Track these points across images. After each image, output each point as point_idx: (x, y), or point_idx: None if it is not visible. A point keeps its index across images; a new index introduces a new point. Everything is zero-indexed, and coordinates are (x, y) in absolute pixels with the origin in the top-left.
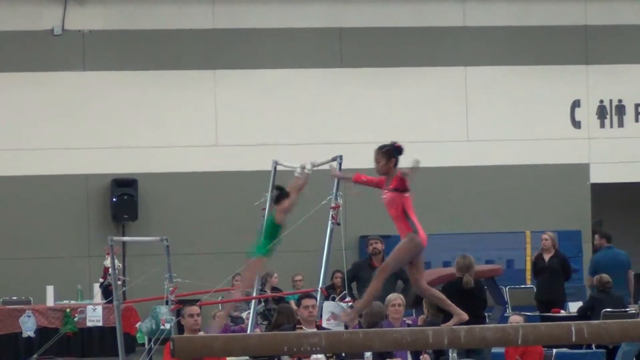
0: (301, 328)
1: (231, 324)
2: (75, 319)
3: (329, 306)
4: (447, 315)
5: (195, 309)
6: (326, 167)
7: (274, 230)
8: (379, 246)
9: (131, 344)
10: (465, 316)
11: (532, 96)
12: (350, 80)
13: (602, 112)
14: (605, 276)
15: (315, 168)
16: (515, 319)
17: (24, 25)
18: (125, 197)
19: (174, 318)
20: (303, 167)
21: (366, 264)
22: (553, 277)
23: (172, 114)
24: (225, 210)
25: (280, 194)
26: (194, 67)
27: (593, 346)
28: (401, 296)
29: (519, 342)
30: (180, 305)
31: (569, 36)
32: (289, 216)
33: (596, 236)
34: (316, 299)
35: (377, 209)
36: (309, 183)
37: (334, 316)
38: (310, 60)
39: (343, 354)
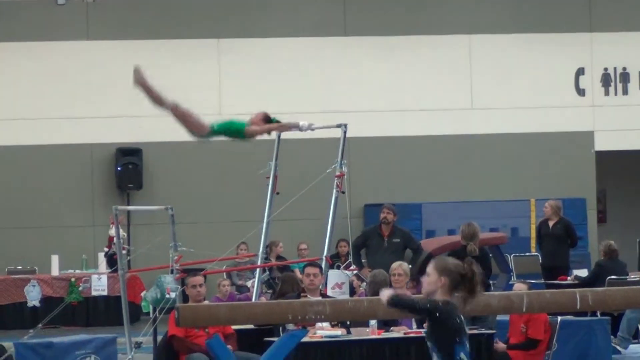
0: (306, 296)
1: (236, 292)
2: (80, 288)
3: (333, 275)
4: None
5: (197, 279)
6: (331, 135)
7: (236, 129)
8: (390, 217)
9: (136, 313)
10: None
11: (537, 64)
12: (354, 48)
13: (606, 80)
14: (612, 243)
15: (311, 129)
16: (520, 287)
17: None
18: (130, 166)
19: (179, 287)
20: (308, 126)
21: (375, 232)
22: (557, 243)
23: (176, 83)
24: (230, 179)
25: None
26: (198, 36)
27: (598, 313)
28: (404, 265)
29: (524, 310)
30: (185, 274)
31: (573, 4)
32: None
33: None
34: (320, 267)
35: (381, 177)
36: (311, 151)
37: (339, 285)
38: (315, 29)
39: (348, 322)
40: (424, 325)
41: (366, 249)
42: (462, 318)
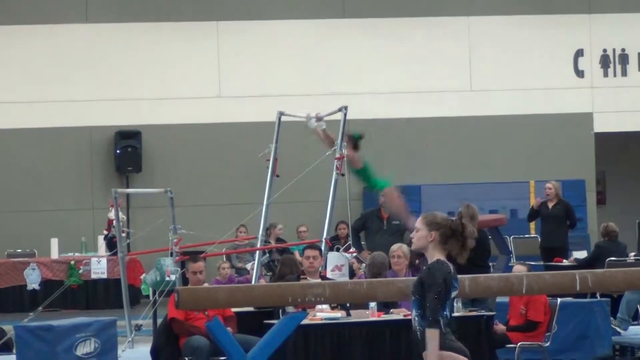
0: (305, 279)
1: (236, 275)
2: (80, 272)
3: (333, 257)
4: None
5: (199, 266)
6: (330, 117)
7: (373, 185)
8: None
9: (136, 295)
10: None
11: (536, 45)
12: (353, 30)
13: (605, 62)
14: (612, 224)
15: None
16: (519, 269)
17: None
18: (129, 149)
19: (178, 270)
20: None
21: (374, 214)
22: (557, 224)
23: (176, 65)
24: (229, 162)
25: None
26: (197, 19)
27: (597, 295)
28: (404, 247)
29: (523, 292)
30: (185, 256)
31: None
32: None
33: None
34: (320, 250)
35: (381, 160)
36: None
37: (338, 267)
38: (314, 11)
39: (347, 304)
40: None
41: (365, 232)
42: (452, 282)
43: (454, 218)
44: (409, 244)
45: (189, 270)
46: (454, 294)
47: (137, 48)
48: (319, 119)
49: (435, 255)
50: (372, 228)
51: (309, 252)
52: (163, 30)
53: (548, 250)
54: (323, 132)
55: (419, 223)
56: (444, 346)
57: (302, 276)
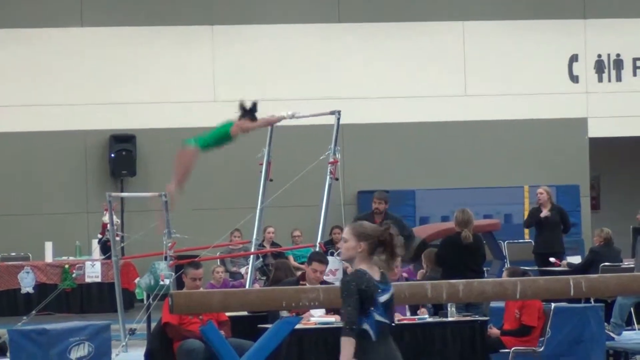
0: (304, 284)
1: (230, 279)
2: (74, 275)
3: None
4: (445, 271)
5: (199, 273)
6: (324, 122)
7: (223, 137)
8: (382, 207)
9: (130, 299)
10: None
11: (530, 51)
12: (348, 35)
13: (600, 67)
14: (606, 229)
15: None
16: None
17: None
18: (124, 153)
19: (172, 274)
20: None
21: (367, 219)
22: (551, 230)
23: (171, 69)
24: (224, 166)
25: (250, 111)
26: (191, 23)
27: (591, 300)
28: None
29: (518, 296)
30: (179, 261)
31: None
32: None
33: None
34: (327, 263)
35: (375, 164)
36: (305, 138)
37: (332, 271)
38: (308, 16)
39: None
40: (418, 312)
41: None
42: (375, 286)
43: (382, 228)
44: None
45: (188, 276)
46: (383, 298)
47: (131, 52)
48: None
49: (359, 265)
50: None
51: (318, 267)
52: (158, 34)
53: (543, 255)
54: (274, 120)
55: (347, 234)
56: (371, 353)
57: (301, 282)
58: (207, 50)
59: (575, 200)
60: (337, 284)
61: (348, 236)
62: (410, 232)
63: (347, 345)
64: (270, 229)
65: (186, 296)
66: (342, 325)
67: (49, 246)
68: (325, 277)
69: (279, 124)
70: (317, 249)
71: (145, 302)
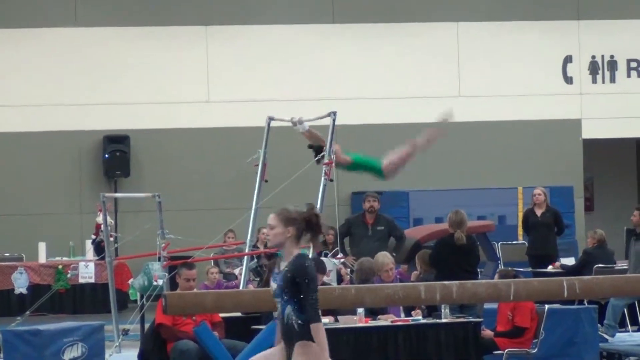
0: None
1: (224, 280)
2: (68, 276)
3: None
4: (439, 272)
5: (193, 274)
6: (319, 123)
7: (370, 168)
8: (376, 205)
9: (123, 300)
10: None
11: (524, 52)
12: (342, 36)
13: (594, 68)
14: (600, 231)
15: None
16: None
17: None
18: (118, 154)
19: (166, 274)
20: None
21: (359, 220)
22: (546, 232)
23: (164, 70)
24: (218, 167)
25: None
26: (185, 23)
27: (585, 302)
28: (392, 260)
29: (511, 298)
30: (173, 262)
31: None
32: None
33: (636, 212)
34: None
35: None
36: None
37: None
38: (303, 16)
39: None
40: (412, 313)
41: (350, 238)
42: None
43: (307, 209)
44: (394, 249)
45: (182, 277)
46: None
47: (125, 52)
48: (301, 122)
49: (293, 250)
50: (356, 234)
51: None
52: (152, 35)
53: (537, 257)
54: (309, 133)
55: (273, 220)
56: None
57: None
58: (201, 50)
59: (569, 202)
60: (333, 284)
61: (274, 223)
62: (402, 233)
63: (321, 330)
64: (265, 230)
65: (180, 297)
66: (308, 310)
67: (42, 247)
68: None
69: (274, 124)
70: (311, 250)
71: (138, 302)
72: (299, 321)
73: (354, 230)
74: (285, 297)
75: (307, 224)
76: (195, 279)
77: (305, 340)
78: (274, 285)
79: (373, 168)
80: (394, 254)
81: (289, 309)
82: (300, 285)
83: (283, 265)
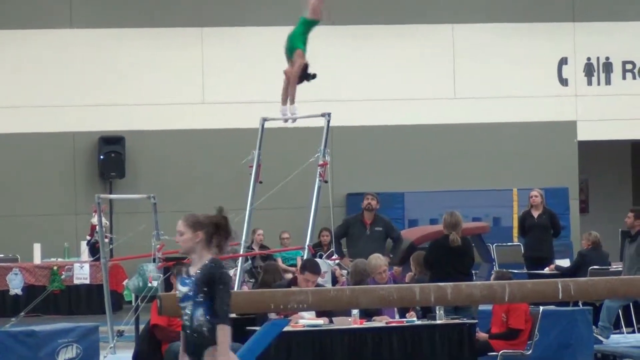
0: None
1: None
2: (63, 277)
3: None
4: (434, 274)
5: None
6: (314, 124)
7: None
8: (374, 203)
9: (118, 301)
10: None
11: (520, 53)
12: (337, 37)
13: (589, 70)
14: (595, 233)
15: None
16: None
17: None
18: (113, 155)
19: (161, 275)
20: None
21: (357, 220)
22: (542, 234)
23: (160, 71)
24: (213, 168)
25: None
26: (181, 25)
27: (580, 303)
28: (386, 262)
29: (506, 299)
30: (168, 263)
31: None
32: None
33: (630, 214)
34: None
35: (364, 166)
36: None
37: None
38: (297, 18)
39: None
40: (407, 315)
41: (347, 238)
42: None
43: (216, 213)
44: (390, 251)
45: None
46: None
47: (121, 54)
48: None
49: (205, 254)
50: (354, 234)
51: (310, 277)
52: (147, 36)
53: (533, 259)
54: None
55: (181, 226)
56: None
57: (292, 287)
58: (196, 52)
59: (564, 203)
60: (327, 286)
61: (183, 229)
62: (399, 234)
63: (228, 334)
64: (260, 232)
65: (174, 298)
66: (218, 312)
67: (37, 248)
68: None
69: (269, 125)
70: (306, 251)
71: (133, 303)
72: (209, 325)
73: (352, 231)
74: (197, 301)
75: (216, 228)
76: None
77: (215, 346)
78: (182, 289)
79: (307, 27)
80: (391, 255)
81: (199, 314)
82: (215, 290)
83: (194, 270)
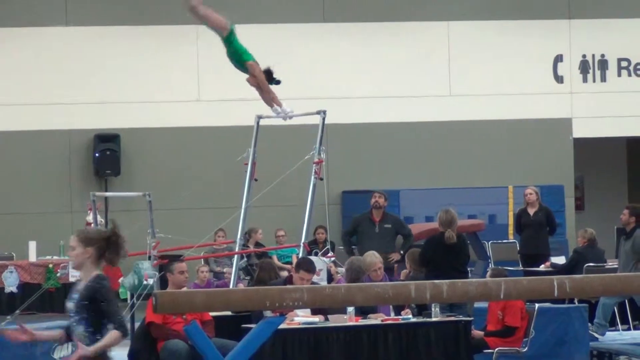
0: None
1: (214, 279)
2: (58, 275)
3: None
4: (429, 271)
5: (184, 266)
6: (309, 121)
7: (239, 59)
8: (381, 201)
9: None
10: None
11: (515, 51)
12: (333, 35)
13: (584, 67)
14: (590, 230)
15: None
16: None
17: None
18: (108, 152)
19: (156, 273)
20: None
21: (366, 218)
22: (538, 231)
23: (155, 69)
24: (208, 166)
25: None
26: (176, 22)
27: (575, 300)
28: (381, 259)
29: (502, 297)
30: (163, 260)
31: None
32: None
33: (625, 211)
34: (314, 272)
35: (359, 164)
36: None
37: (316, 272)
38: (293, 15)
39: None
40: (402, 312)
41: (357, 236)
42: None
43: (107, 228)
44: (401, 247)
45: (176, 271)
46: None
47: (116, 51)
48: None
49: (92, 270)
50: (363, 232)
51: (305, 275)
52: (142, 34)
53: (529, 256)
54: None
55: (73, 241)
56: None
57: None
58: (191, 49)
59: (560, 201)
60: (323, 284)
61: (74, 244)
62: (409, 230)
63: (114, 337)
64: (260, 231)
65: (170, 296)
66: (116, 324)
67: (32, 245)
68: None
69: (264, 122)
70: (302, 249)
71: (129, 301)
72: (88, 342)
73: (361, 229)
74: (78, 318)
75: (107, 243)
76: (187, 271)
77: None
78: (69, 305)
79: (231, 42)
80: (401, 252)
81: (79, 331)
82: (98, 307)
83: (81, 285)
